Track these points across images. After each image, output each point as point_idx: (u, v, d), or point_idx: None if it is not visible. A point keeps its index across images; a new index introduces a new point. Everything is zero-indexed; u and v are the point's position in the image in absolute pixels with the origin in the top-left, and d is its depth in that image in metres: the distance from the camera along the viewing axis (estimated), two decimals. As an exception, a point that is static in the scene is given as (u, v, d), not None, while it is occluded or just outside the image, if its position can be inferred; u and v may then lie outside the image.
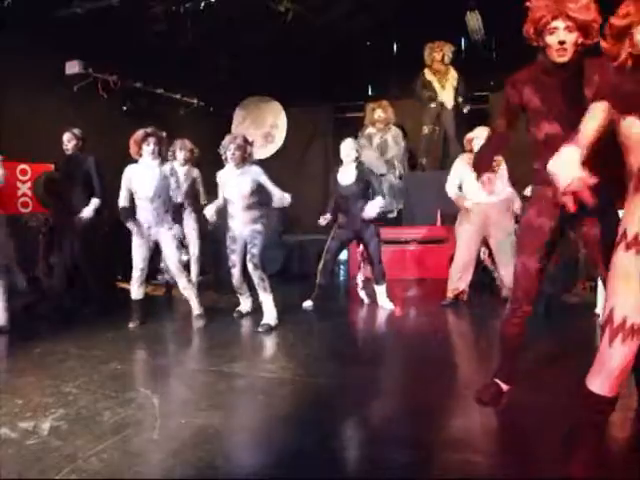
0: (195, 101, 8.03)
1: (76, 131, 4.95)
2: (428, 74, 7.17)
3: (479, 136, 4.98)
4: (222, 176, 4.49)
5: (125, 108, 6.81)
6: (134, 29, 5.96)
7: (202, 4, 5.71)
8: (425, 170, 7.56)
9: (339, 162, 5.01)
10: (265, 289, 4.35)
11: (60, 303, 5.01)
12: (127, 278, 5.56)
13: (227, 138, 4.44)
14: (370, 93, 8.29)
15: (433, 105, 7.16)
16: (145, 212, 4.30)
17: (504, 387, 2.62)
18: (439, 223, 6.78)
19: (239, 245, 4.46)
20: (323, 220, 4.87)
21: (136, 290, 4.43)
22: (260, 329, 4.20)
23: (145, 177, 4.26)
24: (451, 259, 5.36)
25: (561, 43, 2.15)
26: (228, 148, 4.36)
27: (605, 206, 2.10)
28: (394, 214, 7.31)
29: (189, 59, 6.80)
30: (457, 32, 7.11)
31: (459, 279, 4.98)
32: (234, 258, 4.50)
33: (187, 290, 4.43)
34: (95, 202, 4.84)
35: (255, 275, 4.34)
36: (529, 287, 2.41)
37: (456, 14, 6.58)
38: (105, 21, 5.68)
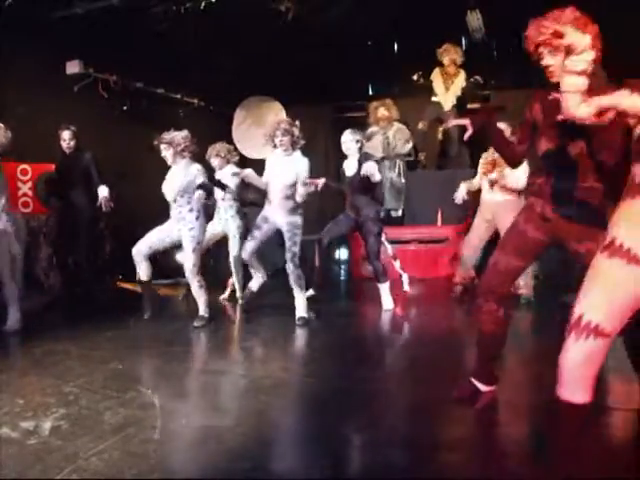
0: (195, 101, 8.03)
1: (74, 129, 4.97)
2: (436, 73, 7.26)
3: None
4: (270, 159, 4.51)
5: (125, 108, 6.80)
6: (135, 29, 5.95)
7: (202, 4, 5.71)
8: (425, 167, 7.59)
9: (343, 156, 5.00)
10: (301, 287, 4.43)
11: (59, 302, 5.03)
12: (128, 278, 5.60)
13: (272, 125, 4.48)
14: (370, 92, 8.29)
15: (434, 99, 7.24)
16: (171, 210, 4.40)
17: (482, 388, 2.59)
18: (440, 223, 6.77)
19: (267, 226, 4.49)
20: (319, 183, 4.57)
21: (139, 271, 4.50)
22: (299, 322, 4.34)
23: (168, 180, 4.37)
24: (454, 256, 5.43)
25: (546, 67, 2.24)
26: (275, 135, 4.38)
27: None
28: (399, 213, 7.33)
29: (189, 59, 6.79)
30: (458, 31, 7.11)
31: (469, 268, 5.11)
32: (256, 234, 4.51)
33: (198, 294, 4.42)
34: (104, 190, 4.83)
35: (294, 274, 4.38)
36: (494, 283, 2.44)
37: (457, 13, 6.57)
38: (106, 21, 5.68)
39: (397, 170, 7.42)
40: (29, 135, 5.24)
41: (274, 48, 6.70)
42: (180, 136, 4.33)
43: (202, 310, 4.42)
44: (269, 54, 6.96)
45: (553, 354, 3.34)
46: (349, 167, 4.84)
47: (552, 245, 2.42)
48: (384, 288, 4.93)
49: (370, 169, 4.51)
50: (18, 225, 4.34)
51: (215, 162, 5.20)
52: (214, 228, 5.16)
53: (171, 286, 5.91)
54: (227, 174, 4.99)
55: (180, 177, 4.30)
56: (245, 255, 4.58)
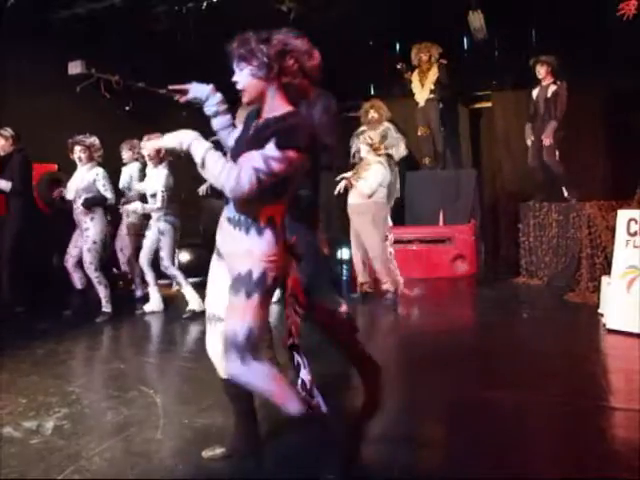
0: (197, 101, 8.03)
1: (3, 131, 4.82)
2: (415, 74, 7.26)
3: None
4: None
5: (128, 108, 6.80)
6: (137, 29, 5.97)
7: (204, 4, 5.71)
8: (431, 168, 7.56)
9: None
10: (181, 284, 4.71)
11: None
12: (127, 278, 5.60)
13: (145, 138, 4.59)
14: (372, 92, 8.28)
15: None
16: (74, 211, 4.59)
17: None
18: (442, 222, 6.76)
19: (149, 234, 4.75)
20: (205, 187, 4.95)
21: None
22: (185, 316, 4.57)
23: (73, 180, 4.59)
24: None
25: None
26: (141, 147, 4.68)
27: None
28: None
29: (191, 59, 6.80)
30: (460, 31, 7.10)
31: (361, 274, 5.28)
32: (144, 242, 4.79)
33: (98, 289, 4.56)
34: (5, 185, 4.71)
35: (170, 273, 4.68)
36: None
37: (459, 13, 6.57)
38: (108, 21, 5.69)
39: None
40: (31, 135, 5.25)
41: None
42: (96, 140, 4.60)
43: (103, 305, 4.57)
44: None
45: (555, 353, 3.34)
46: None
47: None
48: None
49: None
50: None
51: (125, 155, 5.38)
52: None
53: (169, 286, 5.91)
54: (134, 170, 5.27)
55: (82, 178, 4.51)
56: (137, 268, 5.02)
